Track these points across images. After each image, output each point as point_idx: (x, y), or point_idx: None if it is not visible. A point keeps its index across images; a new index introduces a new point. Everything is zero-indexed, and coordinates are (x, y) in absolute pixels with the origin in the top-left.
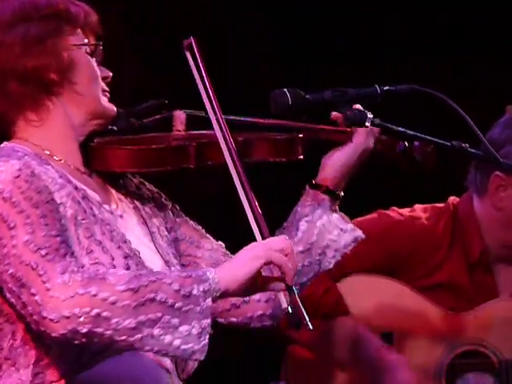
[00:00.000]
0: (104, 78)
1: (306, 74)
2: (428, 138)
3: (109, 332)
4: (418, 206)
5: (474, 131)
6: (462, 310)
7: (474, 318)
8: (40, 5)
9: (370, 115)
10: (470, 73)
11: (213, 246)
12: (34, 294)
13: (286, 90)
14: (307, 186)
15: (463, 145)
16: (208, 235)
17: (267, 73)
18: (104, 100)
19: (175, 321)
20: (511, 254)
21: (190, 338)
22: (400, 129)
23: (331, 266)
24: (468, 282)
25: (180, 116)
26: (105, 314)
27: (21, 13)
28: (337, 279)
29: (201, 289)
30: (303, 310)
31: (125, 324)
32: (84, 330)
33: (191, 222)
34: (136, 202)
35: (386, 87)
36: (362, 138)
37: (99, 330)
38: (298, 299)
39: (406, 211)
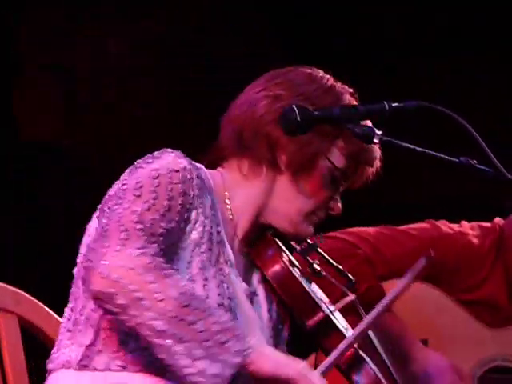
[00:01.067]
0: (329, 209)
1: None
2: (436, 154)
3: (138, 320)
4: (465, 223)
5: (481, 147)
6: (498, 327)
7: (507, 334)
8: (338, 98)
9: (378, 132)
10: (468, 73)
11: None
12: (104, 247)
13: (294, 106)
14: None
15: (471, 161)
16: None
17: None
18: (308, 219)
19: (198, 352)
20: None
21: (202, 374)
22: (409, 145)
23: None
24: (507, 303)
25: (349, 298)
26: (146, 302)
27: (315, 95)
28: (383, 276)
29: (236, 347)
30: None
31: (156, 323)
32: (119, 302)
33: None
34: (272, 305)
35: (395, 104)
36: None
37: (132, 312)
38: None
39: (454, 226)
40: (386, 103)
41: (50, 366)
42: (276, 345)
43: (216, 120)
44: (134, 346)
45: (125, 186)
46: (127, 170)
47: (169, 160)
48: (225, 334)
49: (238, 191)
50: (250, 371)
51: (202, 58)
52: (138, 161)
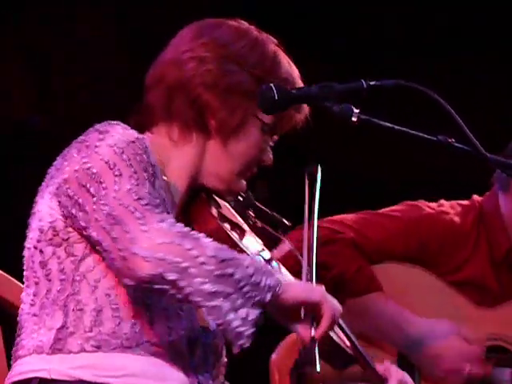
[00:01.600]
0: (261, 161)
1: (304, 73)
2: (413, 132)
3: (190, 288)
4: (444, 202)
5: (459, 125)
6: (488, 306)
7: (498, 313)
8: (264, 64)
9: (356, 110)
10: (468, 73)
11: None
12: (127, 232)
13: (272, 84)
14: None
15: (449, 139)
16: None
17: None
18: (238, 178)
19: (240, 302)
20: None
21: (245, 322)
22: (387, 124)
23: None
24: (493, 281)
25: (284, 247)
26: (192, 270)
27: (244, 52)
28: (371, 258)
29: (268, 282)
30: (317, 355)
31: (205, 287)
32: (171, 278)
33: None
34: None
35: (372, 82)
36: None
37: (183, 283)
38: (316, 350)
39: (434, 205)
40: (363, 81)
41: (19, 352)
42: None
43: None
44: (106, 324)
45: (94, 170)
46: (73, 149)
47: (120, 132)
48: (257, 274)
49: (170, 158)
50: (281, 300)
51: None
52: (83, 138)
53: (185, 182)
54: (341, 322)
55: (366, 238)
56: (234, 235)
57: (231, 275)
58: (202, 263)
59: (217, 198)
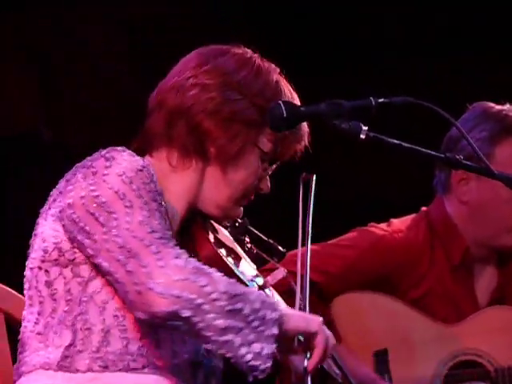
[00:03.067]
0: (258, 189)
1: (304, 74)
2: (422, 150)
3: (202, 324)
4: (394, 220)
5: (468, 143)
6: (451, 316)
7: (466, 327)
8: (266, 93)
9: (364, 127)
10: (468, 73)
11: None
12: (144, 266)
13: (280, 102)
14: None
15: (457, 157)
16: None
17: None
18: (235, 205)
19: (251, 337)
20: (486, 251)
21: (259, 356)
22: (395, 141)
23: None
24: (452, 286)
25: (280, 273)
26: (206, 306)
27: (248, 82)
28: (330, 293)
29: (273, 316)
30: None
31: (218, 322)
32: (185, 315)
33: None
34: None
35: (381, 99)
36: None
37: (196, 319)
38: (309, 380)
39: (384, 226)
40: (372, 99)
41: (22, 368)
42: None
43: None
44: (114, 345)
45: (103, 199)
46: (79, 174)
47: (127, 160)
48: (263, 308)
49: (169, 183)
50: (283, 332)
51: (184, 47)
52: (89, 164)
53: (183, 208)
54: (334, 353)
55: (326, 273)
56: (230, 261)
57: (241, 310)
58: (215, 299)
59: (213, 223)
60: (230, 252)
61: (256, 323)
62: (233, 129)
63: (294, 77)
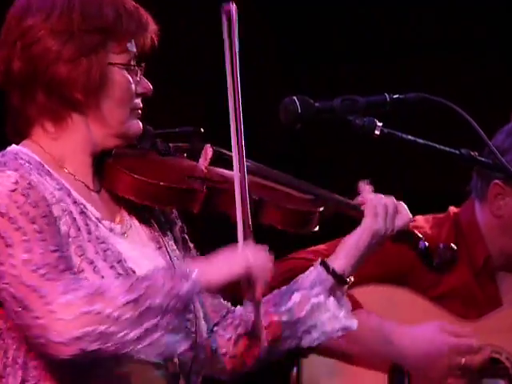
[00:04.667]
0: (141, 94)
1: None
2: (437, 146)
3: (117, 345)
4: (419, 217)
5: (483, 139)
6: (472, 317)
7: (485, 324)
8: (88, 14)
9: (379, 124)
10: (468, 73)
11: None
12: (38, 318)
13: (295, 98)
14: (319, 260)
15: (472, 153)
16: None
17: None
18: (131, 121)
19: (168, 319)
20: (509, 262)
21: (177, 331)
22: (410, 137)
23: (314, 345)
24: (476, 289)
25: (207, 151)
26: (111, 329)
27: (66, 17)
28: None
29: (185, 287)
30: (261, 326)
31: (131, 336)
32: (93, 348)
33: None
34: (149, 218)
35: (396, 95)
36: (369, 221)
37: (107, 345)
38: (261, 315)
39: None
40: (386, 95)
41: None
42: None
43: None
44: (68, 378)
45: None
46: None
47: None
48: (174, 285)
49: (62, 151)
50: (208, 287)
51: (191, 53)
52: None
53: (87, 162)
54: None
55: None
56: (152, 171)
57: (150, 307)
58: (119, 316)
59: (126, 151)
60: (151, 167)
61: (172, 303)
62: (82, 65)
63: (292, 77)
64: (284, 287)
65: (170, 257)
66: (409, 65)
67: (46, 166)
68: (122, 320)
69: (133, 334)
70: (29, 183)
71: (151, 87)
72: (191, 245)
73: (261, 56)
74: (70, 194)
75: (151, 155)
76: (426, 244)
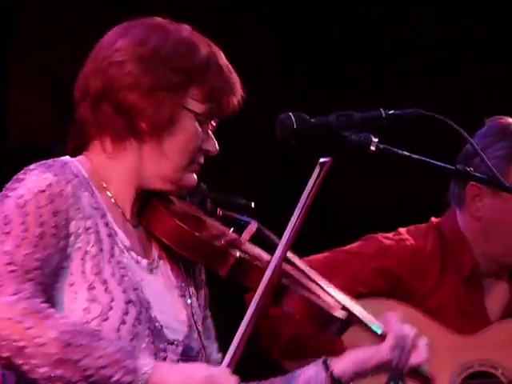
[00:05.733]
0: (205, 152)
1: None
2: (432, 161)
3: (26, 367)
4: (402, 229)
5: (479, 154)
6: (465, 329)
7: (480, 339)
8: (179, 53)
9: (374, 139)
10: (468, 73)
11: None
12: None
13: (291, 113)
14: (322, 358)
15: (468, 168)
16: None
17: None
18: (187, 171)
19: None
20: (496, 267)
21: None
22: (405, 153)
23: None
24: (465, 299)
25: (252, 227)
26: (29, 350)
27: (156, 49)
28: None
29: (123, 379)
30: None
31: (41, 370)
32: (4, 355)
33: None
34: (179, 267)
35: (391, 111)
36: (385, 350)
37: (18, 361)
38: None
39: (391, 235)
40: (382, 111)
41: None
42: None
43: None
44: None
45: None
46: None
47: (32, 181)
48: (111, 368)
49: (111, 173)
50: None
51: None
52: (7, 185)
53: (131, 193)
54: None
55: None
56: (197, 229)
57: (76, 362)
58: (42, 345)
59: (172, 198)
60: (195, 220)
61: (94, 378)
62: (156, 97)
63: (292, 79)
64: (284, 378)
65: (191, 309)
66: (409, 65)
67: (90, 183)
68: (42, 350)
69: (43, 370)
70: (60, 191)
71: (217, 148)
72: (209, 313)
73: (261, 56)
74: (104, 216)
75: (197, 211)
76: None
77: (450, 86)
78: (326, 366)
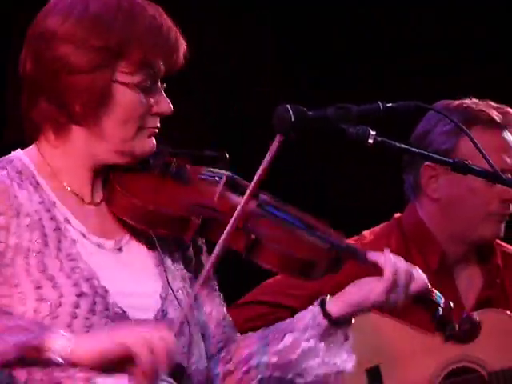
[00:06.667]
0: (157, 114)
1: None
2: (430, 154)
3: None
4: (365, 232)
5: (476, 147)
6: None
7: None
8: (98, 31)
9: (372, 132)
10: (468, 73)
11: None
12: None
13: (288, 106)
14: (318, 300)
15: (466, 161)
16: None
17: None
18: (138, 139)
19: None
20: (465, 249)
21: None
22: (403, 146)
23: None
24: (438, 290)
25: (221, 181)
26: None
27: (75, 28)
28: None
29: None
30: None
31: None
32: None
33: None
34: (151, 236)
35: (389, 104)
36: (380, 293)
37: None
38: None
39: (355, 239)
40: (380, 103)
41: None
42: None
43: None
44: None
45: None
46: None
47: None
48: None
49: (60, 162)
50: (83, 366)
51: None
52: None
53: (86, 176)
54: None
55: (295, 297)
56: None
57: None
58: None
59: (131, 168)
60: (153, 190)
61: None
62: (83, 80)
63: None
64: (279, 324)
65: (166, 277)
66: (409, 65)
67: (37, 176)
68: None
69: None
70: (5, 186)
71: (170, 107)
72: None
73: (261, 56)
74: (50, 210)
75: (158, 177)
76: (441, 312)
77: (450, 86)
78: (323, 309)
